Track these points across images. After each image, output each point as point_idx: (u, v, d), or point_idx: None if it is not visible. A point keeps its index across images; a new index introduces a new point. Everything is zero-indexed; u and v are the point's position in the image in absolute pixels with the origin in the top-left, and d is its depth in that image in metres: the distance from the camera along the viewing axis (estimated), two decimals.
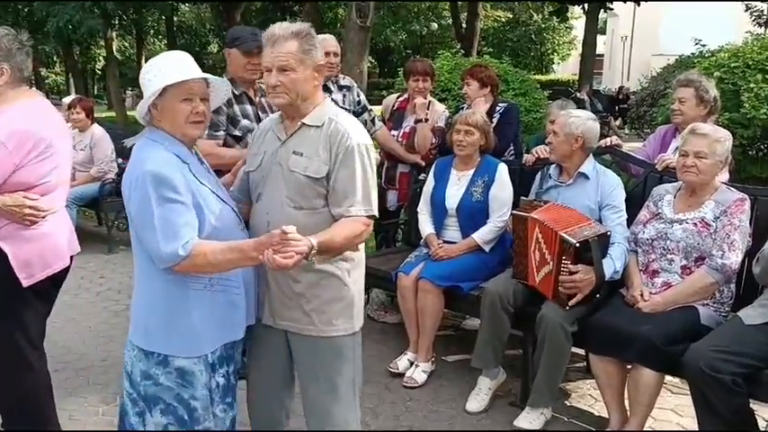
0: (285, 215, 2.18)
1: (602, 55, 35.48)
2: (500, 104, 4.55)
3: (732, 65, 5.83)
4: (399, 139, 4.58)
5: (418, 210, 4.06)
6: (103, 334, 4.44)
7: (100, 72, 44.24)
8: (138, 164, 2.07)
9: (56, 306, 3.01)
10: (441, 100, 6.20)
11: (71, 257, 2.85)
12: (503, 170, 3.82)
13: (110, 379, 3.75)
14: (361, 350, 2.44)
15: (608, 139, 4.01)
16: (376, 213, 2.26)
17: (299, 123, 2.24)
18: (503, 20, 36.21)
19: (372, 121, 4.57)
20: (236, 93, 3.26)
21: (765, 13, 22.49)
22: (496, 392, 3.53)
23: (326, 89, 4.05)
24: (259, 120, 3.50)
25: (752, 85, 5.54)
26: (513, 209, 3.58)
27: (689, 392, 2.81)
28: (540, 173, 3.75)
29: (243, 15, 23.82)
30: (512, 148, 4.56)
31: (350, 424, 2.38)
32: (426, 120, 4.50)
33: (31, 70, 2.70)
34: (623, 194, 3.43)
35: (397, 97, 4.89)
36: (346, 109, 4.04)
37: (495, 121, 4.37)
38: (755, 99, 5.51)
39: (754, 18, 22.68)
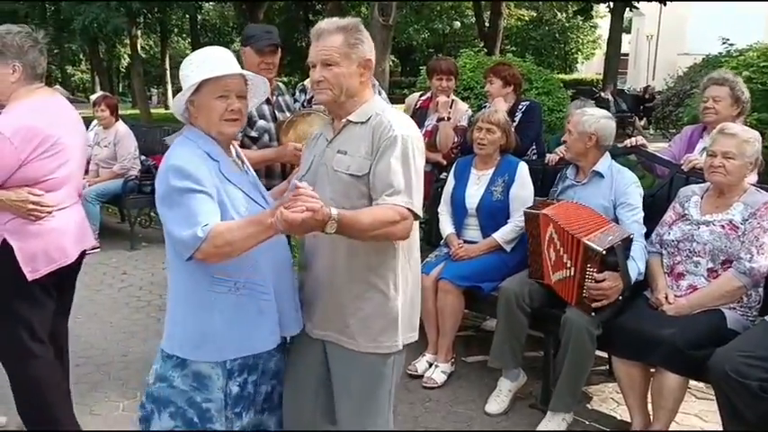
0: None
1: (627, 54, 35.05)
2: (522, 103, 4.51)
3: (761, 64, 5.71)
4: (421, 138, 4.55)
5: (438, 210, 4.03)
6: (125, 330, 4.47)
7: (124, 70, 44.73)
8: (165, 160, 2.06)
9: (78, 301, 3.05)
10: (463, 99, 6.16)
11: (83, 253, 2.86)
12: (523, 169, 3.78)
13: (130, 375, 3.78)
14: (400, 367, 2.29)
15: (633, 139, 3.95)
16: (418, 211, 2.06)
17: (345, 121, 2.14)
18: (526, 18, 35.95)
19: None
20: None
21: None
22: (517, 394, 3.49)
23: None
24: (275, 119, 3.49)
25: None
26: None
27: (714, 398, 2.76)
28: (559, 174, 3.71)
29: (266, 14, 23.91)
30: (534, 147, 4.51)
31: None
32: (449, 118, 4.47)
33: (45, 67, 2.71)
34: (639, 192, 3.37)
35: (420, 96, 4.87)
36: None
37: (516, 119, 4.33)
38: None
39: None
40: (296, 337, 2.27)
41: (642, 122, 18.56)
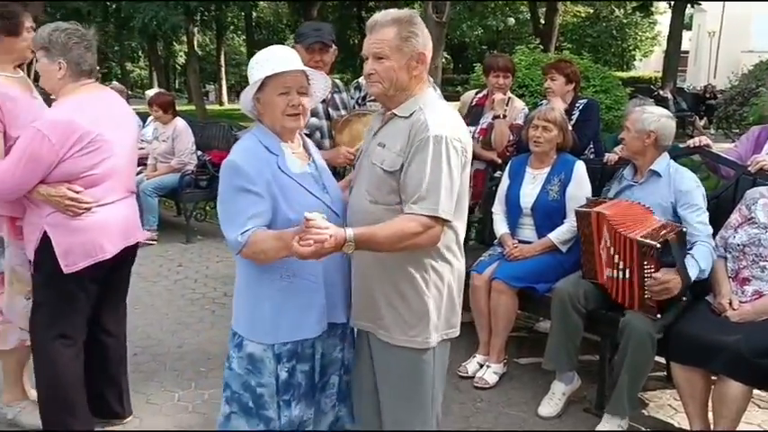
0: (363, 209, 2.15)
1: (687, 51, 34.07)
2: (580, 101, 4.42)
3: None
4: (476, 136, 4.50)
5: (493, 209, 3.98)
6: (180, 321, 4.56)
7: (180, 67, 45.71)
8: (228, 155, 2.16)
9: (136, 292, 3.13)
10: (518, 96, 6.07)
11: (135, 246, 2.92)
12: (580, 168, 3.70)
13: (185, 365, 3.85)
14: (443, 364, 2.27)
15: (697, 139, 3.82)
16: (446, 216, 2.03)
17: (390, 114, 2.16)
18: (582, 15, 35.28)
19: None
20: None
21: None
22: (570, 398, 3.42)
23: None
24: (329, 116, 3.50)
25: None
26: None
27: None
28: (615, 174, 3.63)
29: (319, 11, 24.07)
30: (591, 146, 4.42)
31: None
32: (504, 116, 4.41)
33: (93, 63, 2.75)
34: (702, 192, 3.26)
35: (476, 93, 4.82)
36: None
37: (574, 118, 4.25)
38: None
39: None
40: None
41: (702, 122, 18.01)
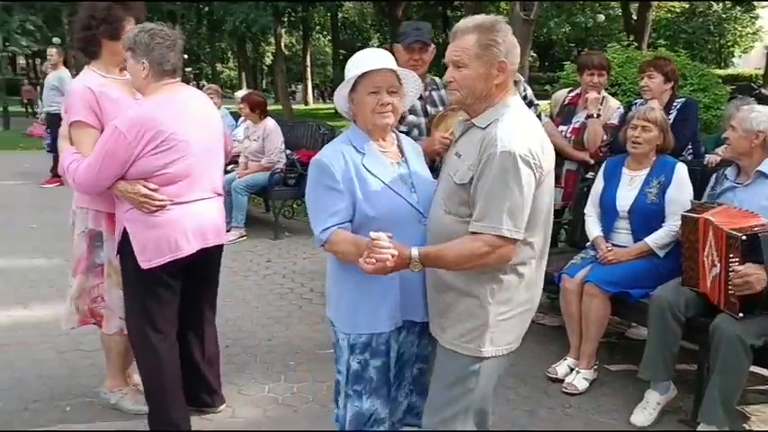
0: (437, 218, 2.15)
1: None
2: (677, 100, 4.25)
3: None
4: (568, 135, 4.41)
5: (585, 211, 3.88)
6: (269, 315, 4.67)
7: (268, 67, 46.95)
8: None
9: (227, 286, 3.24)
10: (610, 95, 5.90)
11: (219, 247, 2.97)
12: (681, 170, 3.55)
13: (275, 359, 3.94)
14: (492, 377, 2.20)
15: None
16: (510, 234, 1.94)
17: (470, 123, 2.12)
18: (677, 10, 33.89)
19: (538, 116, 4.43)
20: None
21: None
22: (665, 408, 3.29)
23: None
24: (426, 114, 3.50)
25: None
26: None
27: None
28: (714, 175, 3.46)
29: (404, 11, 24.16)
30: (689, 147, 4.24)
31: None
32: (598, 115, 4.29)
33: (176, 63, 2.80)
34: None
35: (569, 92, 4.71)
36: None
37: (671, 118, 4.09)
38: None
39: None
40: None
41: None
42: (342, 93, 2.27)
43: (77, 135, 2.84)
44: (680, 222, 3.31)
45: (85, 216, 3.02)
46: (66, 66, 10.34)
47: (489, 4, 21.08)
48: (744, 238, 2.80)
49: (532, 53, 31.76)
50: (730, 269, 2.87)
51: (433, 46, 3.47)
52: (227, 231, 5.13)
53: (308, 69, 34.77)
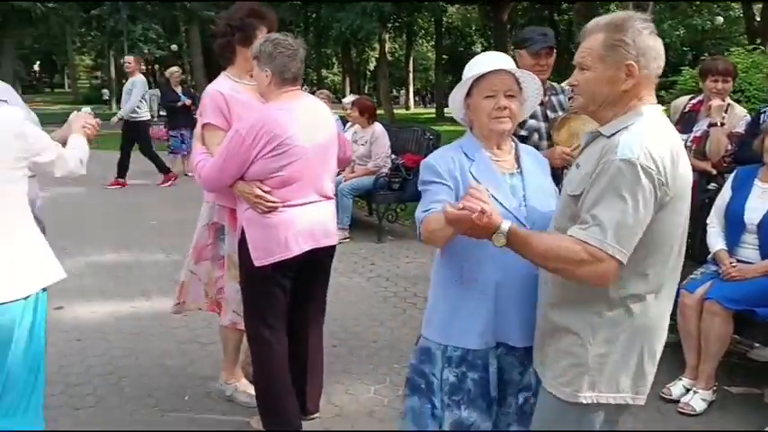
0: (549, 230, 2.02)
1: None
2: None
3: None
4: (689, 144, 4.20)
5: (708, 222, 3.69)
6: (374, 317, 4.74)
7: (371, 72, 47.65)
8: None
9: (332, 285, 3.33)
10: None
11: (324, 249, 3.00)
12: None
13: (380, 361, 3.99)
14: (604, 423, 1.91)
15: None
16: (613, 252, 1.68)
17: (596, 132, 1.89)
18: None
19: None
20: None
21: None
22: None
23: None
24: (547, 119, 3.46)
25: None
26: None
27: None
28: None
29: (509, 15, 23.88)
30: None
31: None
32: (722, 124, 4.08)
33: (297, 72, 2.88)
34: None
35: (689, 99, 4.50)
36: None
37: None
38: None
39: None
40: None
41: None
42: (457, 97, 2.19)
43: (208, 136, 3.03)
44: None
45: (211, 210, 3.23)
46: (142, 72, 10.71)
47: (599, 6, 20.44)
48: None
49: None
50: None
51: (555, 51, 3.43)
52: None
53: (410, 74, 35.02)
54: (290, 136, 2.77)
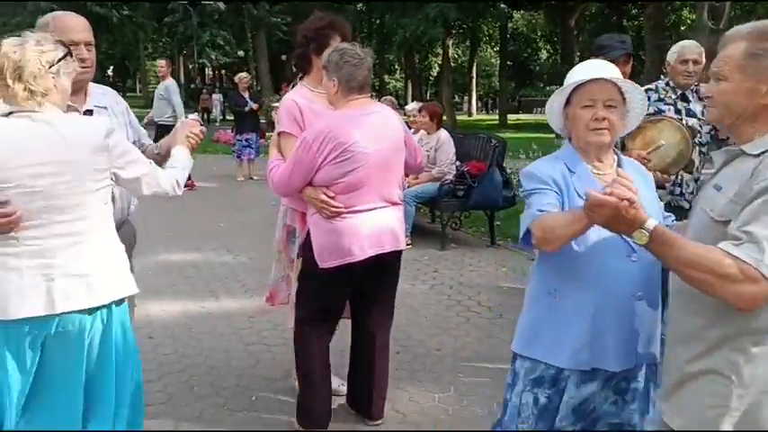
0: None
1: None
2: None
3: None
4: None
5: None
6: (437, 325, 4.72)
7: (433, 78, 47.65)
8: None
9: (398, 293, 3.32)
10: None
11: (390, 254, 3.02)
12: None
13: (444, 369, 3.97)
14: None
15: None
16: None
17: (738, 150, 1.71)
18: None
19: None
20: None
21: None
22: None
23: (684, 98, 3.77)
24: None
25: None
26: None
27: None
28: None
29: (577, 21, 23.51)
30: None
31: None
32: None
33: (363, 80, 2.91)
34: None
35: None
36: (704, 120, 3.71)
37: None
38: None
39: None
40: None
41: None
42: (555, 105, 2.11)
43: (283, 144, 3.13)
44: None
45: (285, 213, 3.36)
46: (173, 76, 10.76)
47: (669, 13, 19.90)
48: None
49: None
50: None
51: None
52: None
53: (473, 80, 34.84)
54: (355, 143, 2.81)
